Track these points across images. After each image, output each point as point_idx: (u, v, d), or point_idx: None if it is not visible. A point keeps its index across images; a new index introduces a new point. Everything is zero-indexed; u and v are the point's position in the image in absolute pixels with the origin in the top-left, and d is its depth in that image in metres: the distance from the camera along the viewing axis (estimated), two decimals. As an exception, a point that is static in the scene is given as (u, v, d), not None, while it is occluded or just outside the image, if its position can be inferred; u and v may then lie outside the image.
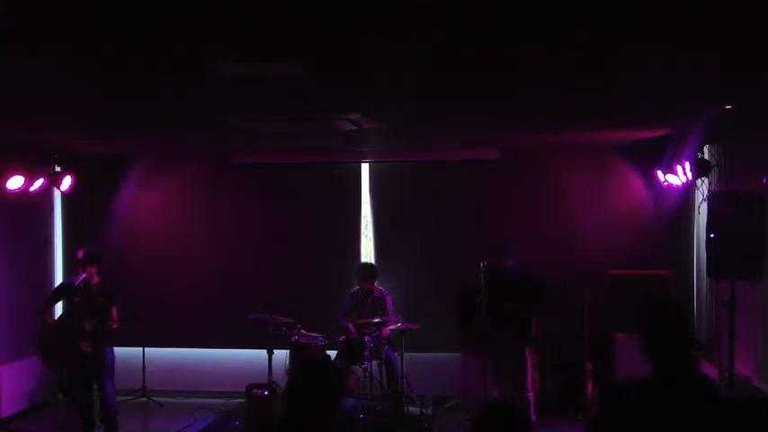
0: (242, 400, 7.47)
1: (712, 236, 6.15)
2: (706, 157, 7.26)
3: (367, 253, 8.81)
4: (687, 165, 6.86)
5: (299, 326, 7.56)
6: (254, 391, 7.02)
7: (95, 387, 6.96)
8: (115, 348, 7.06)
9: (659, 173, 7.57)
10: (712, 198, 6.51)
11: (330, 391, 3.03)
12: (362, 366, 7.43)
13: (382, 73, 4.13)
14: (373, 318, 7.59)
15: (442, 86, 4.61)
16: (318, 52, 3.61)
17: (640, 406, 2.79)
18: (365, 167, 8.81)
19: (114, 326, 6.80)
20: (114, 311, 6.89)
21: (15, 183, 7.55)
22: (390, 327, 7.61)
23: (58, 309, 8.06)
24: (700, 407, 2.82)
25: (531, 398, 6.71)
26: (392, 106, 5.45)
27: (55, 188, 8.38)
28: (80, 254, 6.99)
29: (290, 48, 3.51)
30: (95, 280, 6.94)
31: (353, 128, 5.89)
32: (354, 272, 8.13)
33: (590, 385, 7.28)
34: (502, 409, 2.72)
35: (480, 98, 5.07)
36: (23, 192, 7.74)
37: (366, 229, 8.87)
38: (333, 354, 7.59)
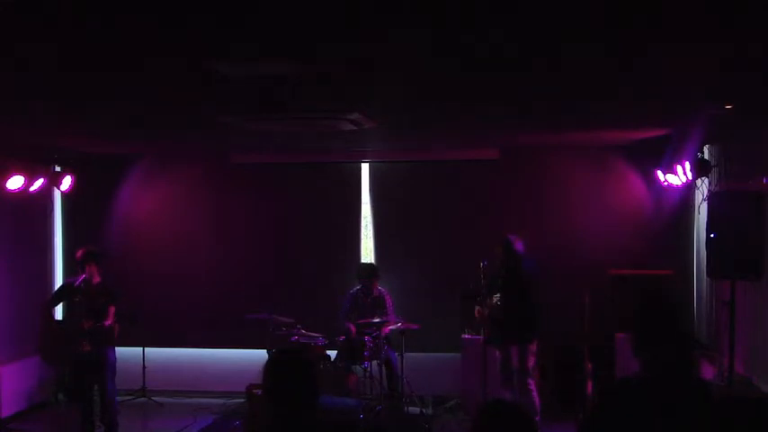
0: (242, 400, 7.47)
1: (712, 236, 6.15)
2: (706, 157, 7.26)
3: (367, 253, 8.81)
4: (687, 165, 6.86)
5: (299, 326, 7.56)
6: (254, 391, 7.01)
7: (96, 387, 6.95)
8: (115, 348, 7.06)
9: (659, 173, 7.57)
10: (712, 198, 6.51)
11: (297, 380, 2.92)
12: (362, 366, 7.43)
13: (383, 73, 4.13)
14: (373, 318, 7.59)
15: (442, 87, 4.61)
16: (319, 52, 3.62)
17: (632, 405, 2.78)
18: (365, 167, 8.81)
19: (107, 323, 6.78)
20: (112, 311, 6.88)
21: (15, 183, 7.55)
22: (390, 327, 7.61)
23: (59, 309, 8.06)
24: (690, 406, 2.81)
25: (534, 396, 6.79)
26: (392, 106, 5.45)
27: (55, 188, 8.38)
28: (79, 254, 6.99)
29: (290, 47, 3.51)
30: (96, 280, 6.93)
31: (353, 128, 5.89)
32: (356, 271, 8.14)
33: (590, 385, 7.28)
34: (503, 408, 2.69)
35: (481, 98, 5.07)
36: (23, 192, 7.74)
37: (366, 229, 8.87)
38: (333, 354, 7.60)
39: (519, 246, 6.95)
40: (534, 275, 6.89)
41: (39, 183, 7.87)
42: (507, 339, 6.87)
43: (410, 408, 7.72)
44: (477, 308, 7.00)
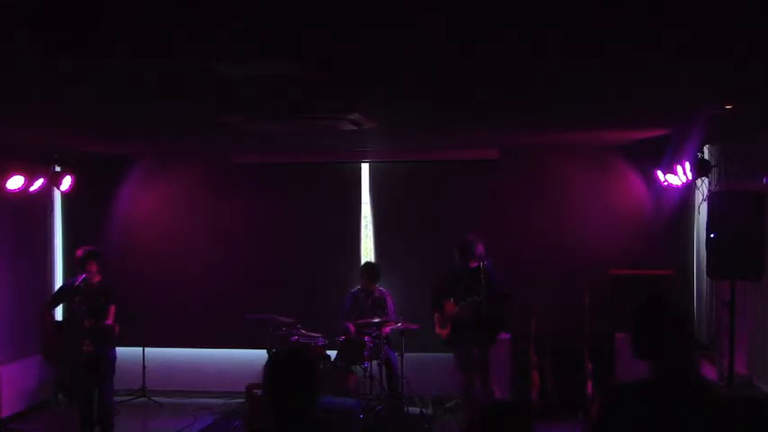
0: (242, 400, 7.47)
1: (712, 236, 6.15)
2: (706, 157, 7.26)
3: (367, 253, 8.81)
4: (687, 165, 6.87)
5: (299, 326, 7.56)
6: (254, 391, 7.01)
7: (94, 387, 6.95)
8: (116, 348, 7.06)
9: (659, 173, 7.57)
10: (712, 198, 6.52)
11: (297, 381, 2.92)
12: (362, 366, 7.43)
13: (383, 73, 4.13)
14: (373, 318, 7.59)
15: (443, 86, 4.61)
16: (318, 52, 3.62)
17: (641, 409, 2.77)
18: (365, 167, 8.81)
19: (109, 322, 6.78)
20: (112, 310, 6.89)
21: (15, 183, 7.56)
22: (390, 327, 7.61)
23: (59, 310, 8.06)
24: (699, 408, 2.81)
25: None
26: (393, 106, 5.45)
27: (55, 188, 8.38)
28: (79, 253, 6.99)
29: (290, 47, 3.51)
30: (96, 279, 6.93)
31: (353, 128, 5.89)
32: (359, 270, 8.13)
33: (590, 385, 7.28)
34: (503, 410, 2.69)
35: (480, 99, 5.07)
36: (23, 192, 7.74)
37: (366, 229, 8.87)
38: (333, 354, 7.60)
39: (479, 248, 6.96)
40: (492, 276, 6.87)
41: (39, 183, 7.88)
42: (472, 341, 6.93)
43: (410, 408, 7.73)
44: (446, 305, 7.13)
